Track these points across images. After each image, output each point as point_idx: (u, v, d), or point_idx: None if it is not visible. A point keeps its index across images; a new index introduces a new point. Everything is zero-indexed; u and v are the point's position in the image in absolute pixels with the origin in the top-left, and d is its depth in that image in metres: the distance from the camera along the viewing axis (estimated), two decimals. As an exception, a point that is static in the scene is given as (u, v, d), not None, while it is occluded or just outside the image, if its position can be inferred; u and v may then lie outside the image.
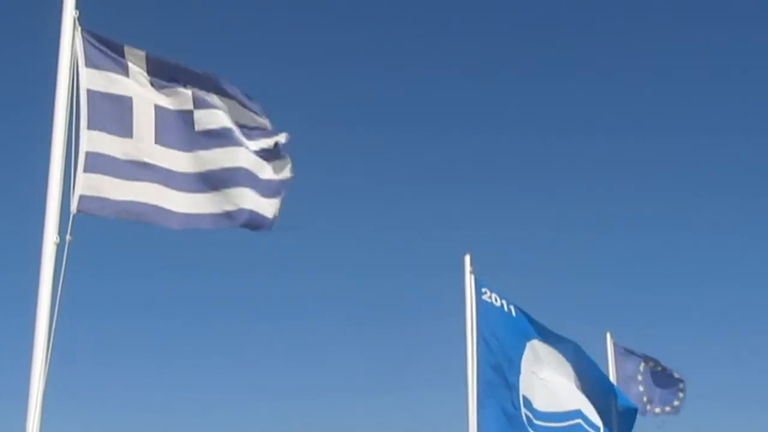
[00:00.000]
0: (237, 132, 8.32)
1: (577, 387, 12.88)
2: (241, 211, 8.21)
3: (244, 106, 8.40)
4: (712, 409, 26.02)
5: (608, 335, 18.85)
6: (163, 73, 8.18)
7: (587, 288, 31.58)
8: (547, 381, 12.70)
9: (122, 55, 8.06)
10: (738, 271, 32.69)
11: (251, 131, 8.41)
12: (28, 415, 7.17)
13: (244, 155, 8.31)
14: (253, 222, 8.28)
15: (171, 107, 8.19)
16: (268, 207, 8.37)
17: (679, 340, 29.15)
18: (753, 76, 35.31)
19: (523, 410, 12.44)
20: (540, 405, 12.58)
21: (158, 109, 8.14)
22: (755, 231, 33.10)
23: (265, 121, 8.47)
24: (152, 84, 8.14)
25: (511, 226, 33.30)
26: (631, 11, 35.99)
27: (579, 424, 12.71)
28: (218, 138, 8.28)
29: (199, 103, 8.25)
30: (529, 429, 12.40)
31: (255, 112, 8.43)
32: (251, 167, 8.33)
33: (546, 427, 12.53)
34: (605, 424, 12.88)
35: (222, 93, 8.31)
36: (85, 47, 7.91)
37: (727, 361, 29.80)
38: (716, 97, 36.12)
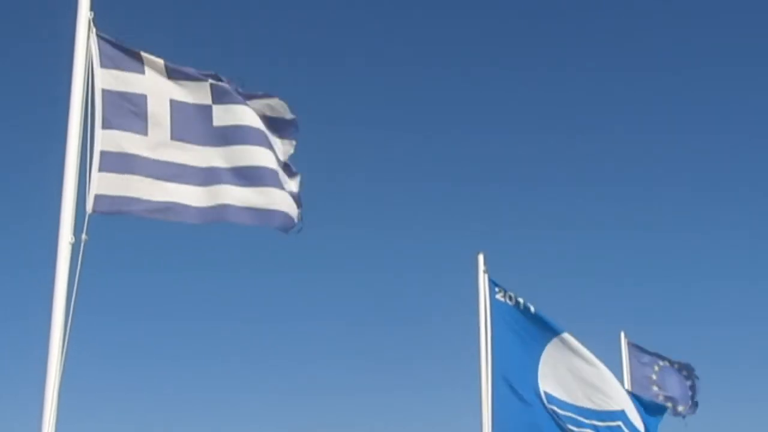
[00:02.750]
0: (257, 130, 8.36)
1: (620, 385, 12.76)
2: (268, 212, 8.26)
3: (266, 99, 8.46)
4: (728, 407, 25.97)
5: (622, 334, 18.83)
6: (179, 71, 8.19)
7: (601, 287, 31.53)
8: (582, 377, 12.60)
9: (139, 54, 8.07)
10: (753, 269, 32.58)
11: (278, 125, 8.47)
12: (43, 415, 7.18)
13: (263, 154, 8.33)
14: (279, 222, 8.32)
15: (188, 101, 8.20)
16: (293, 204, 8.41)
17: (693, 338, 29.07)
18: (754, 75, 35.26)
19: (549, 407, 12.40)
20: (572, 399, 12.52)
21: (174, 103, 8.15)
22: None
23: (289, 113, 8.54)
24: (169, 76, 8.15)
25: (524, 225, 33.26)
26: (635, 9, 35.96)
27: (619, 427, 12.59)
28: (236, 135, 8.29)
29: (217, 98, 8.27)
30: (559, 422, 12.36)
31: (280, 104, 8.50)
32: (274, 165, 8.36)
33: (580, 422, 12.47)
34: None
35: (242, 96, 8.37)
36: (100, 48, 7.93)
37: (743, 359, 29.73)
38: (728, 93, 36.04)
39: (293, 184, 8.50)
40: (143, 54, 8.10)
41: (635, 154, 35.11)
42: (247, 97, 8.38)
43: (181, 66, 8.24)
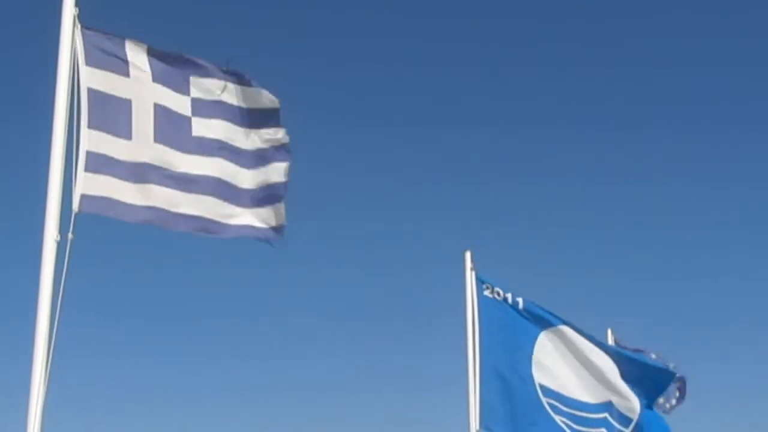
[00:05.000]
0: (229, 146, 8.38)
1: (610, 374, 12.70)
2: (244, 227, 8.31)
3: (250, 85, 8.47)
4: (714, 405, 26.04)
5: (609, 332, 18.84)
6: (164, 72, 8.18)
7: (589, 284, 31.62)
8: (571, 369, 12.61)
9: (123, 50, 8.06)
10: (740, 267, 32.70)
11: (260, 116, 8.44)
12: (28, 416, 7.15)
13: (230, 169, 8.36)
14: (245, 234, 8.36)
15: (171, 107, 8.20)
16: (266, 217, 8.41)
17: (681, 336, 29.15)
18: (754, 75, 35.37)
19: (545, 399, 12.42)
20: (566, 391, 12.54)
21: (158, 107, 8.15)
22: (758, 226, 33.12)
23: (274, 101, 8.52)
24: (153, 79, 8.13)
25: (512, 222, 33.35)
26: (635, 9, 36.04)
27: (605, 419, 12.60)
28: (212, 147, 8.32)
29: (197, 111, 8.29)
30: (555, 416, 12.38)
31: (263, 93, 8.49)
32: (235, 181, 8.37)
33: (574, 415, 12.48)
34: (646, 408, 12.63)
35: (225, 78, 8.37)
36: (85, 45, 7.89)
37: (730, 357, 29.82)
38: (722, 94, 36.15)
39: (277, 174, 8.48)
40: (127, 45, 8.07)
41: (625, 152, 35.22)
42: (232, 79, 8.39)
43: (163, 50, 8.24)
